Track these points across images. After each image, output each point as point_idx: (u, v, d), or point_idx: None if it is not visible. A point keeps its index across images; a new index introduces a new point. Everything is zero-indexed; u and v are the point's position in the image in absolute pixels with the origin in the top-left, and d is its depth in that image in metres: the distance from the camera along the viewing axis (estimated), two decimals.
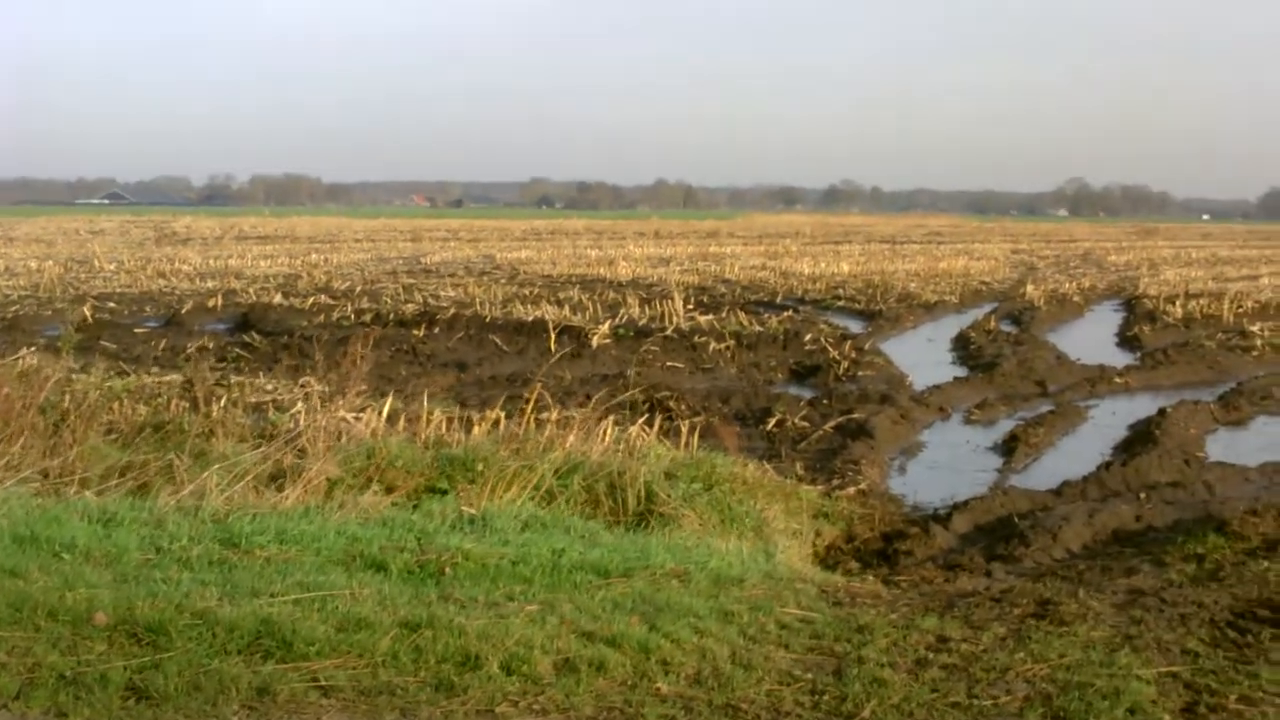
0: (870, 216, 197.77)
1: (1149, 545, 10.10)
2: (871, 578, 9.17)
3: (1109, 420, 16.78)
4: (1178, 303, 31.77)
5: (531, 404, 11.59)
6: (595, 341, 22.09)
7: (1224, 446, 15.14)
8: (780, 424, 15.26)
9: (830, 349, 21.42)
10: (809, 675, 6.18)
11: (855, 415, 15.63)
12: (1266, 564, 8.75)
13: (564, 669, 6.05)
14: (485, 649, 6.12)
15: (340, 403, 10.95)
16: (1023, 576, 9.26)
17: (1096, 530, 10.73)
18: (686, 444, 11.31)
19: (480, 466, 9.87)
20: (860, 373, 19.72)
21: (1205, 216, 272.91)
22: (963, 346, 24.34)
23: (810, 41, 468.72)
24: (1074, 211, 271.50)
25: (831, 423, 15.29)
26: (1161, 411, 15.80)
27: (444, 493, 9.67)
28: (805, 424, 15.36)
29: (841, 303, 33.15)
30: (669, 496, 9.84)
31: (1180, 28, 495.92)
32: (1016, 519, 11.01)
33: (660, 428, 12.14)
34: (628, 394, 12.98)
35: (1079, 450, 14.80)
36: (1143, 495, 11.92)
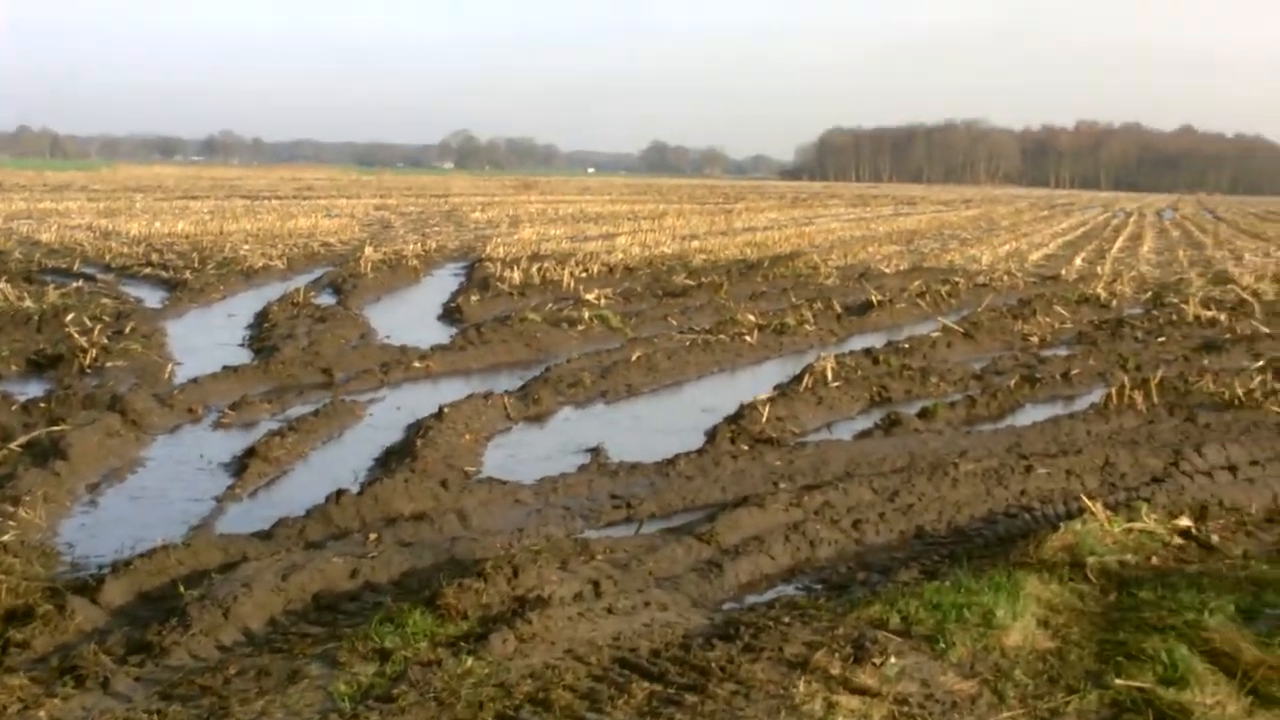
0: (249, 169, 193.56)
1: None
2: None
3: (390, 420, 14.67)
4: (519, 266, 30.59)
5: None
6: None
7: (508, 453, 13.38)
8: None
9: (76, 334, 18.34)
10: None
11: (63, 426, 12.82)
12: (471, 662, 6.79)
13: None
14: None
15: None
16: (156, 687, 6.91)
17: (291, 597, 8.44)
18: None
19: None
20: (111, 363, 16.85)
21: (591, 169, 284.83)
22: (259, 325, 21.84)
23: None
24: (460, 165, 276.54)
25: (21, 439, 12.43)
26: (439, 410, 13.86)
27: None
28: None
29: (149, 270, 29.99)
30: None
31: None
32: (183, 586, 8.57)
33: None
34: None
35: (332, 467, 12.54)
36: (373, 536, 9.84)
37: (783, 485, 11.67)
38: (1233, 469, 12.41)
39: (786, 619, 7.81)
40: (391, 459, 12.53)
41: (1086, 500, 9.99)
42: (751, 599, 8.96)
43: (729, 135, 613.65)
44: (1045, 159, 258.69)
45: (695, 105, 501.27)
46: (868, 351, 18.92)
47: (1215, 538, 10.03)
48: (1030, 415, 15.65)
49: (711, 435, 13.40)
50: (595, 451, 13.02)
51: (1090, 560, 8.98)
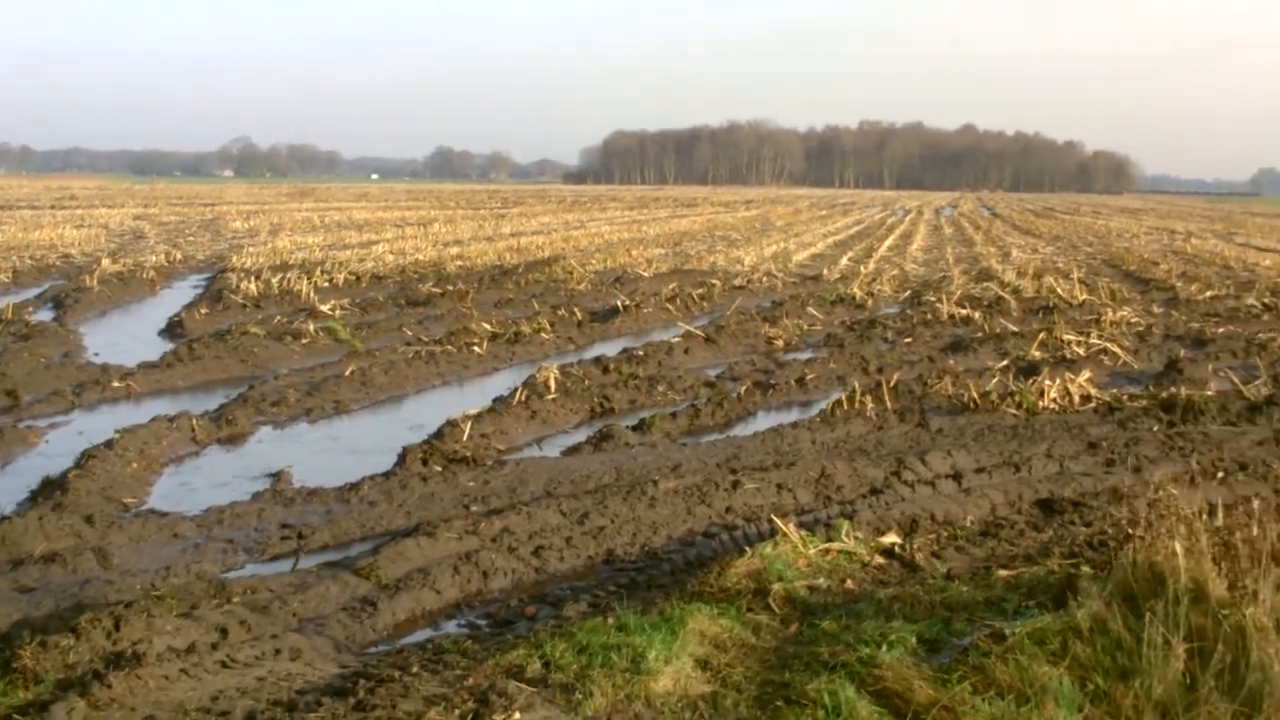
0: (17, 178, 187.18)
1: None
2: None
3: (66, 447, 13.45)
4: (260, 277, 29.31)
5: None
6: None
7: (182, 481, 12.28)
8: None
9: None
10: None
11: None
12: None
13: None
14: None
15: None
16: None
17: None
18: None
19: None
20: None
21: (374, 176, 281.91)
22: None
23: None
24: (241, 172, 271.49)
25: None
26: (111, 437, 12.76)
27: None
28: None
29: None
30: None
31: None
32: None
33: None
34: None
35: None
36: None
37: (474, 508, 10.87)
38: (957, 477, 11.92)
39: (418, 668, 7.02)
40: (47, 491, 11.40)
41: (778, 520, 9.32)
42: (404, 640, 8.13)
43: (515, 140, 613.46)
44: (830, 159, 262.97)
45: (481, 110, 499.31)
46: (598, 360, 18.20)
47: (920, 556, 9.45)
48: (759, 424, 15.08)
49: (402, 457, 12.49)
50: (277, 477, 12.07)
51: (775, 588, 8.30)
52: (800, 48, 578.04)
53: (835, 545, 9.24)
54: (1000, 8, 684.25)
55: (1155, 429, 14.49)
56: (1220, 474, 12.17)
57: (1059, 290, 29.72)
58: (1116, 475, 11.93)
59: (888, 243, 50.98)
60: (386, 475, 11.87)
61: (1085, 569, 8.28)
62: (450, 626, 8.41)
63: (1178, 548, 7.41)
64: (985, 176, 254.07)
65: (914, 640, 7.27)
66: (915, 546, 9.67)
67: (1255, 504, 8.94)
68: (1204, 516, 8.71)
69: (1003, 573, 8.93)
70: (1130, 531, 7.86)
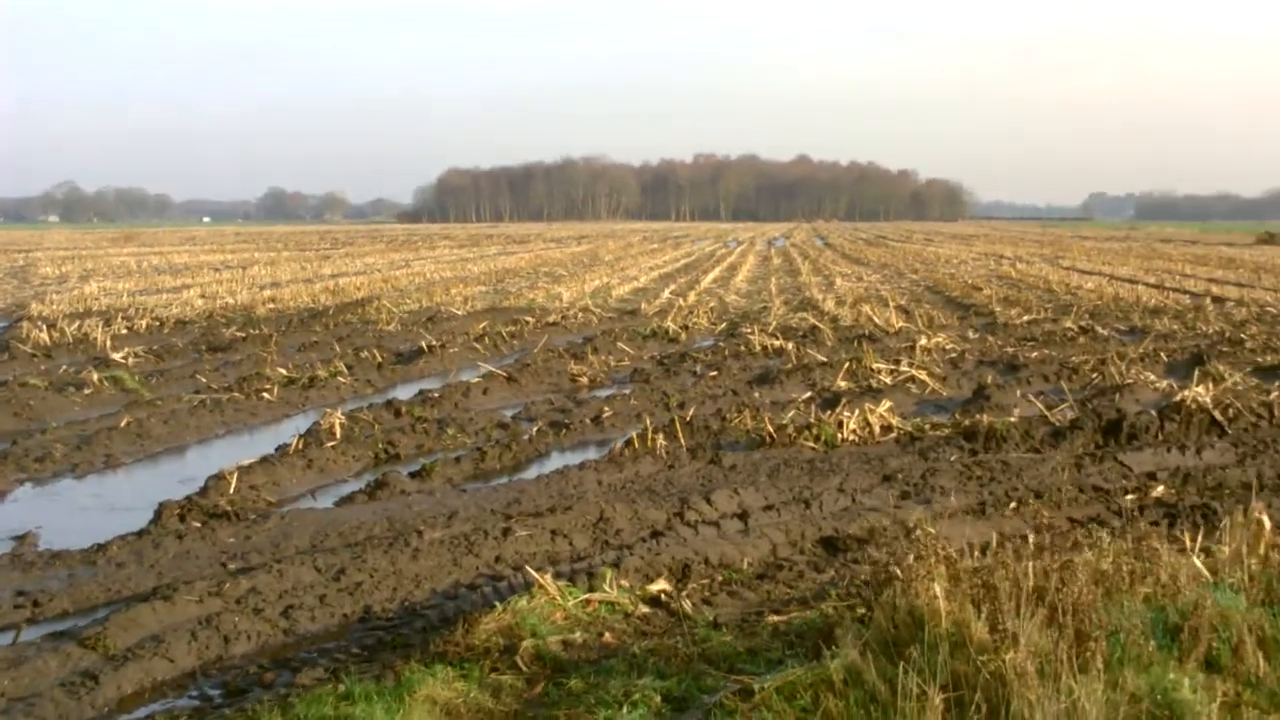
0: None
1: None
2: None
3: None
4: (56, 326, 28.17)
5: None
6: None
7: None
8: None
9: None
10: None
11: None
12: None
13: None
14: None
15: None
16: None
17: None
18: None
19: None
20: None
21: (206, 219, 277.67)
22: None
23: None
24: (66, 217, 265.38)
25: None
26: None
27: None
28: None
29: None
30: None
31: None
32: None
33: None
34: None
35: None
36: None
37: (231, 566, 10.25)
38: (743, 516, 11.50)
39: None
40: None
41: (532, 572, 8.84)
42: (124, 718, 7.50)
43: (349, 179, 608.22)
44: (665, 192, 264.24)
45: (314, 151, 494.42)
46: (389, 404, 17.56)
47: (688, 604, 9.02)
48: (551, 465, 14.60)
49: (159, 513, 11.79)
50: (21, 540, 11.32)
51: (525, 645, 7.83)
52: (634, 81, 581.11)
53: (597, 596, 8.80)
54: (835, 39, 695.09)
55: (955, 458, 14.26)
56: (1013, 503, 11.94)
57: (875, 318, 29.70)
58: (906, 509, 11.62)
59: (712, 275, 50.92)
60: (139, 534, 11.19)
61: (861, 611, 7.94)
62: (179, 700, 7.80)
63: (938, 589, 7.08)
64: (820, 207, 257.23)
65: (659, 699, 6.84)
66: (685, 593, 9.27)
67: (1030, 539, 8.68)
68: (976, 553, 8.42)
69: (773, 618, 8.55)
70: (889, 573, 7.51)
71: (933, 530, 7.77)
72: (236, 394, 18.57)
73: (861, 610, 7.95)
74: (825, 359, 22.26)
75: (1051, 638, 6.66)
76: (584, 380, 20.95)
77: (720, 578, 9.82)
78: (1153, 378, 19.85)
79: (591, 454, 15.17)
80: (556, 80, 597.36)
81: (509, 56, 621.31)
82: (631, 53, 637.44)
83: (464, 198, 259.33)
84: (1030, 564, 7.15)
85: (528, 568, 9.14)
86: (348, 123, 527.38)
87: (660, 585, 9.28)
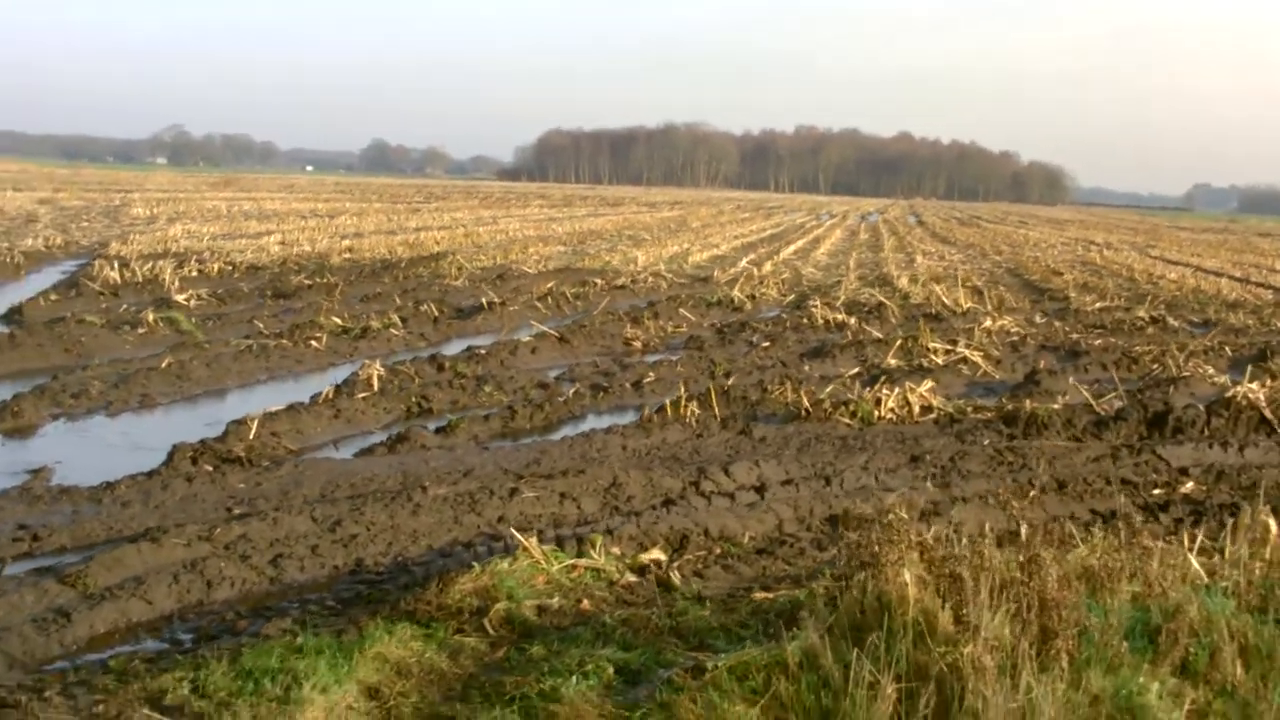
0: None
1: None
2: None
3: None
4: (129, 265, 28.47)
5: None
6: None
7: None
8: None
9: None
10: None
11: None
12: None
13: None
14: None
15: None
16: None
17: None
18: None
19: None
20: None
21: (309, 168, 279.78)
22: None
23: None
24: (174, 161, 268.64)
25: None
26: None
27: None
28: None
29: None
30: None
31: None
32: None
33: None
34: None
35: None
36: None
37: (236, 511, 10.24)
38: (760, 489, 11.33)
39: (56, 694, 6.38)
40: None
41: (517, 534, 8.73)
42: (91, 656, 7.47)
43: (452, 135, 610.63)
44: (765, 162, 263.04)
45: (418, 104, 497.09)
46: (433, 358, 17.53)
47: (677, 575, 8.87)
48: (585, 427, 14.46)
49: (171, 455, 11.80)
50: (37, 473, 11.37)
51: (498, 607, 7.72)
52: (738, 49, 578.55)
53: (583, 562, 8.68)
54: (935, 12, 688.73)
55: (989, 443, 13.99)
56: (1033, 493, 11.66)
57: (945, 298, 29.31)
58: (920, 491, 11.39)
59: (795, 246, 50.57)
60: (149, 475, 11.20)
61: (837, 594, 7.74)
62: (148, 642, 7.76)
63: (908, 576, 6.88)
64: (920, 184, 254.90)
65: (611, 671, 6.69)
66: (677, 565, 9.12)
67: (1022, 529, 8.44)
68: (963, 541, 8.20)
69: (760, 595, 8.39)
70: (863, 558, 7.31)
71: (905, 515, 7.54)
72: (285, 341, 18.61)
73: (837, 593, 7.76)
74: (882, 336, 21.96)
75: (1016, 632, 6.46)
76: (637, 345, 20.81)
77: (718, 550, 9.67)
78: (1212, 372, 19.37)
79: (627, 418, 15.02)
80: (659, 45, 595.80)
81: (615, 16, 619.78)
82: (738, 20, 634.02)
83: (564, 158, 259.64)
84: (999, 556, 6.93)
85: (513, 529, 9.03)
86: (453, 78, 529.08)
87: (653, 555, 9.15)
